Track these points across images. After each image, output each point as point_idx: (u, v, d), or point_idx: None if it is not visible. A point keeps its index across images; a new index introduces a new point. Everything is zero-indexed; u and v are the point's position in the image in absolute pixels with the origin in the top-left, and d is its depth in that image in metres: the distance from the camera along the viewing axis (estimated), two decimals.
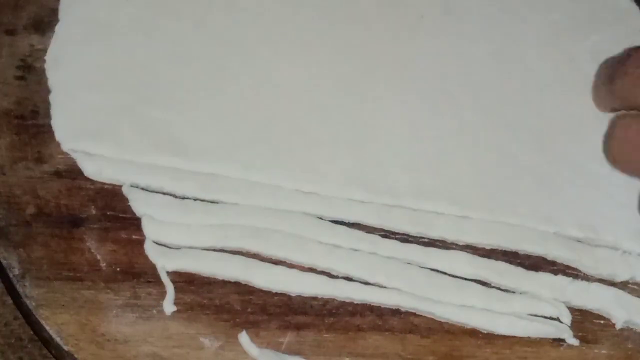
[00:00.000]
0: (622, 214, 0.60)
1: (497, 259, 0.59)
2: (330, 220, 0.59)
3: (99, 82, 0.61)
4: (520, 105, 0.64)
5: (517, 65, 0.66)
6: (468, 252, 0.59)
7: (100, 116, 0.60)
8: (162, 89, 0.62)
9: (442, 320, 0.57)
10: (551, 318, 0.57)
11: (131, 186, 0.59)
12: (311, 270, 0.58)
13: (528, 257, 0.59)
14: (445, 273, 0.58)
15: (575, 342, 0.57)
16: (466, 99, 0.64)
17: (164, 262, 0.57)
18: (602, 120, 0.63)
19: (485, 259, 0.59)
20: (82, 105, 0.61)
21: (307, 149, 0.60)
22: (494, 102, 0.64)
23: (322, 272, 0.57)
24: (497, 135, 0.62)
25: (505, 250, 0.59)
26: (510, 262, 0.59)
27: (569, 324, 0.57)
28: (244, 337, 0.55)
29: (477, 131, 0.62)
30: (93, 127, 0.60)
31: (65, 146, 0.60)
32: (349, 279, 0.57)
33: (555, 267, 0.59)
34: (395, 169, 0.60)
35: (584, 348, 0.57)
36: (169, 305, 0.56)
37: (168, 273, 0.57)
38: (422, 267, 0.58)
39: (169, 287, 0.56)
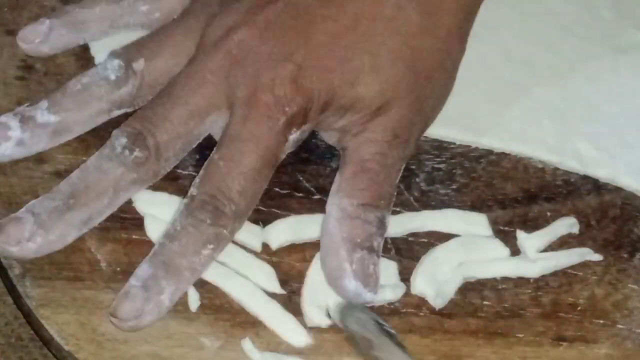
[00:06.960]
0: (625, 152, 0.63)
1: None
2: None
3: None
4: (539, 43, 0.66)
5: (538, 7, 0.68)
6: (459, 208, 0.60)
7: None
8: None
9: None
10: None
11: None
12: None
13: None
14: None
15: (598, 257, 0.59)
16: (485, 34, 0.66)
17: None
18: (618, 63, 0.66)
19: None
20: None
21: None
22: (513, 38, 0.66)
23: None
24: (514, 69, 0.65)
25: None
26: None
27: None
28: (247, 344, 0.55)
29: (495, 64, 0.65)
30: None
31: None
32: None
33: None
34: None
35: (583, 348, 0.57)
36: (194, 303, 0.56)
37: None
38: None
39: (191, 288, 0.56)
